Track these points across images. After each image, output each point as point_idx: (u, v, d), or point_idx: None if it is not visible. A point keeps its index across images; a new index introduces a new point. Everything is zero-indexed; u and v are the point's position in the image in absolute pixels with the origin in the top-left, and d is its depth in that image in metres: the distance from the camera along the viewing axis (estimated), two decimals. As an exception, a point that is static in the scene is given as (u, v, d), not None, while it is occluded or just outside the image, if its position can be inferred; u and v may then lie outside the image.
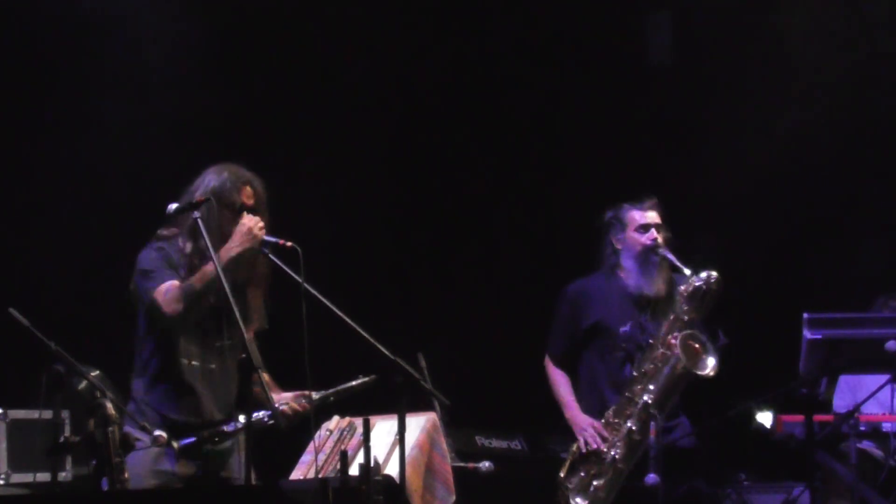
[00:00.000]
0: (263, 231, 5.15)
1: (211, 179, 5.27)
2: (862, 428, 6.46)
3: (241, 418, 5.11)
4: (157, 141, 7.44)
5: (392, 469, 5.21)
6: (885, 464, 6.60)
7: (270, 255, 5.08)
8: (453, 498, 5.55)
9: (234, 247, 5.12)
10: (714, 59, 8.39)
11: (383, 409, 5.19)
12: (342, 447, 5.28)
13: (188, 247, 5.24)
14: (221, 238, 5.15)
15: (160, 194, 5.33)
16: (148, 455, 5.04)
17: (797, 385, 6.07)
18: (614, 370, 6.22)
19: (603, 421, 6.13)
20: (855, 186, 8.30)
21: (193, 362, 5.22)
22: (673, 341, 6.06)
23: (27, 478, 6.21)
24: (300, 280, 4.90)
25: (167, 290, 5.12)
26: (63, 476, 6.32)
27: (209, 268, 5.05)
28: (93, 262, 7.01)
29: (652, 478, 5.97)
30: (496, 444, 7.14)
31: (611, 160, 8.46)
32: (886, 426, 6.64)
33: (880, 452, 6.67)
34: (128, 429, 4.88)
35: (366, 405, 5.25)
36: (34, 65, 7.35)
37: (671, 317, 6.12)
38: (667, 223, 6.36)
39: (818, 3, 8.20)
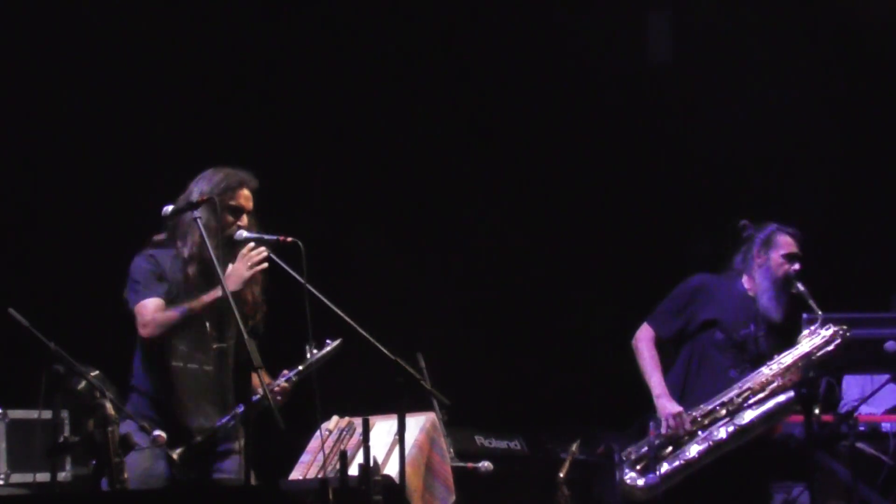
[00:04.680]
0: (264, 264, 5.12)
1: (208, 181, 5.24)
2: (861, 428, 6.46)
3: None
4: (156, 140, 7.44)
5: (392, 469, 5.21)
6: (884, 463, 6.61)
7: (271, 255, 5.06)
8: (453, 498, 5.56)
9: (236, 278, 5.09)
10: (714, 59, 8.40)
11: (383, 409, 5.18)
12: (342, 447, 5.29)
13: (185, 251, 5.21)
14: (221, 240, 5.13)
15: (160, 193, 5.33)
16: (143, 459, 5.03)
17: (797, 385, 6.08)
18: (719, 370, 6.23)
19: (690, 415, 6.13)
20: (853, 186, 8.30)
21: (190, 365, 5.20)
22: (791, 376, 6.12)
23: (27, 478, 6.21)
24: (302, 281, 4.89)
25: (146, 308, 5.12)
26: (63, 476, 6.31)
27: (199, 301, 5.09)
28: (93, 262, 7.00)
29: (651, 478, 5.97)
30: (496, 444, 7.14)
31: (610, 160, 8.46)
32: (886, 426, 6.64)
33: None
34: (130, 429, 4.88)
35: (365, 405, 5.25)
36: (33, 65, 7.36)
37: (796, 352, 6.17)
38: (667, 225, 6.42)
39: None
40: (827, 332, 6.16)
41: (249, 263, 5.08)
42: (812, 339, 6.18)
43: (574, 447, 6.41)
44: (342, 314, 4.86)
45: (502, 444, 7.16)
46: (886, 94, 8.20)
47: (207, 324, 5.24)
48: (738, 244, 6.44)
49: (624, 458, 6.19)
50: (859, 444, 6.38)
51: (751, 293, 6.32)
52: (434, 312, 8.05)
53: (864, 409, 6.70)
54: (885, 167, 8.21)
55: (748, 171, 8.25)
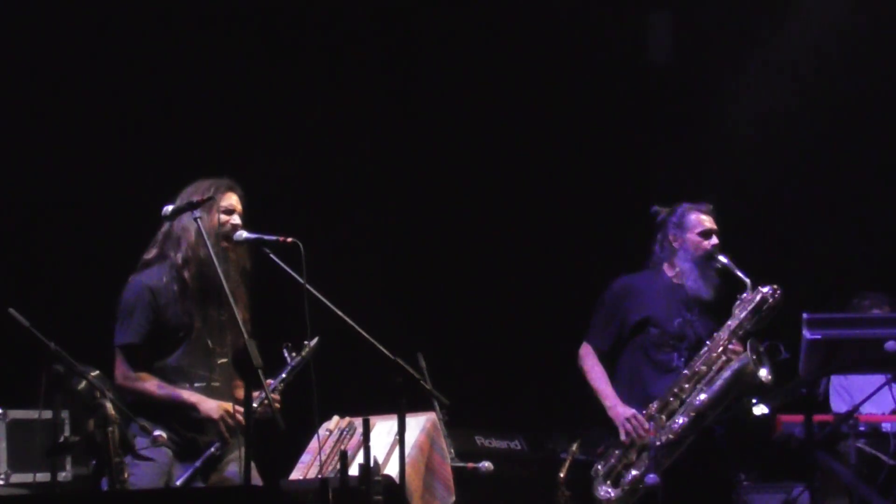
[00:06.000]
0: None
1: (197, 188, 5.24)
2: (861, 428, 6.46)
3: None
4: (155, 140, 7.44)
5: (392, 469, 5.21)
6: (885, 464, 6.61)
7: (272, 256, 5.05)
8: (453, 498, 5.56)
9: (210, 409, 5.15)
10: (714, 59, 8.41)
11: (383, 410, 5.18)
12: (342, 447, 5.29)
13: (178, 257, 5.21)
14: (218, 240, 5.13)
15: (160, 193, 5.33)
16: (157, 472, 5.04)
17: (797, 385, 6.07)
18: (662, 365, 6.22)
19: (645, 413, 6.12)
20: (851, 186, 8.30)
21: (196, 384, 5.20)
22: (732, 347, 6.10)
23: (27, 478, 6.21)
24: (302, 282, 4.88)
25: (120, 360, 5.18)
26: (63, 476, 6.32)
27: (179, 395, 5.13)
28: (93, 263, 7.01)
29: (652, 478, 5.97)
30: (496, 444, 7.14)
31: (609, 160, 8.46)
32: (886, 426, 6.64)
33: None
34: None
35: (366, 405, 5.25)
36: (32, 66, 7.37)
37: (730, 324, 6.15)
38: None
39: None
40: (756, 297, 6.14)
41: (225, 420, 5.13)
42: (743, 306, 6.16)
43: (574, 447, 6.41)
44: (342, 314, 4.86)
45: (502, 444, 7.17)
46: (884, 97, 8.21)
47: (209, 340, 5.24)
48: (653, 232, 6.43)
49: (594, 475, 6.17)
50: (859, 444, 6.37)
51: (676, 280, 6.30)
52: (434, 312, 8.05)
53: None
54: (884, 167, 8.22)
55: (748, 170, 8.25)
